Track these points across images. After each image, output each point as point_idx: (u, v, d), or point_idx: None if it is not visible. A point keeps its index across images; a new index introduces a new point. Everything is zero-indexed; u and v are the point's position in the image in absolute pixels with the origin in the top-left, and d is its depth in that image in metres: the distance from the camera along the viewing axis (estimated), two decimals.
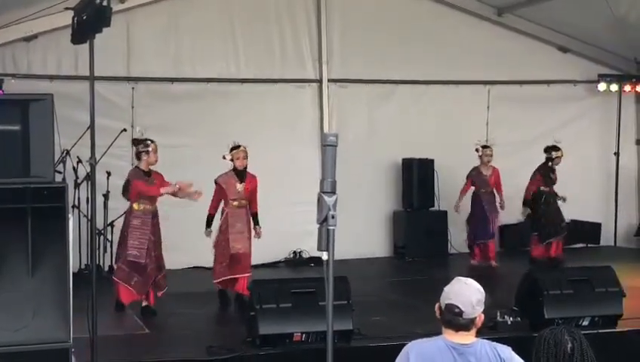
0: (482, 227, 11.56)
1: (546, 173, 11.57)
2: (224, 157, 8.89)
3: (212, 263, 9.06)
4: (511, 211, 12.61)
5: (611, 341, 7.17)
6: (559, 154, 11.52)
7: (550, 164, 11.56)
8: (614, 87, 13.21)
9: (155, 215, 8.44)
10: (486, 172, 11.59)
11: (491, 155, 11.53)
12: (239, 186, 8.86)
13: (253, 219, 8.97)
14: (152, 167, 8.47)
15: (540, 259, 11.53)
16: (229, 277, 8.85)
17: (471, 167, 11.71)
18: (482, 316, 3.52)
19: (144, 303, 8.41)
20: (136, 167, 8.53)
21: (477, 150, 11.55)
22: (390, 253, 12.65)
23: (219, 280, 8.93)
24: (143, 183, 8.34)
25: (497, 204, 11.65)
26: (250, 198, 8.97)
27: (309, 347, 6.59)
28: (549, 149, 11.59)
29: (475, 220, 11.64)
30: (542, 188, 11.56)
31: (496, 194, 11.64)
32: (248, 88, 11.80)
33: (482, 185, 11.57)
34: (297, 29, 12.13)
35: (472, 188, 11.64)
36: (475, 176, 11.59)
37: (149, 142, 8.44)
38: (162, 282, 8.49)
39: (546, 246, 11.59)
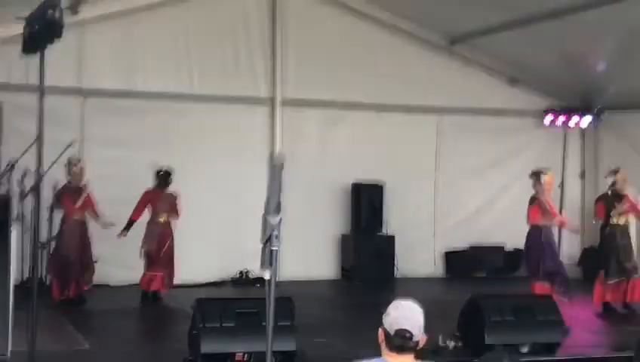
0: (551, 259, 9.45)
1: (608, 203, 10.10)
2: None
3: None
4: (457, 237, 12.76)
5: None
6: (615, 178, 9.96)
7: (610, 192, 10.08)
8: (560, 120, 13.40)
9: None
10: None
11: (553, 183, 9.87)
12: None
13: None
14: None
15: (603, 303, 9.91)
16: None
17: (420, 191, 11.77)
18: (425, 336, 3.56)
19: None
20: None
21: (537, 177, 9.51)
22: (337, 275, 12.67)
23: None
24: None
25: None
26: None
27: None
28: (609, 174, 10.17)
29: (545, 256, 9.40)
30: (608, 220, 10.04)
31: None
32: (200, 105, 11.75)
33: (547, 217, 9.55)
34: (252, 48, 12.14)
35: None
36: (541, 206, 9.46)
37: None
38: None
39: (612, 287, 9.93)
